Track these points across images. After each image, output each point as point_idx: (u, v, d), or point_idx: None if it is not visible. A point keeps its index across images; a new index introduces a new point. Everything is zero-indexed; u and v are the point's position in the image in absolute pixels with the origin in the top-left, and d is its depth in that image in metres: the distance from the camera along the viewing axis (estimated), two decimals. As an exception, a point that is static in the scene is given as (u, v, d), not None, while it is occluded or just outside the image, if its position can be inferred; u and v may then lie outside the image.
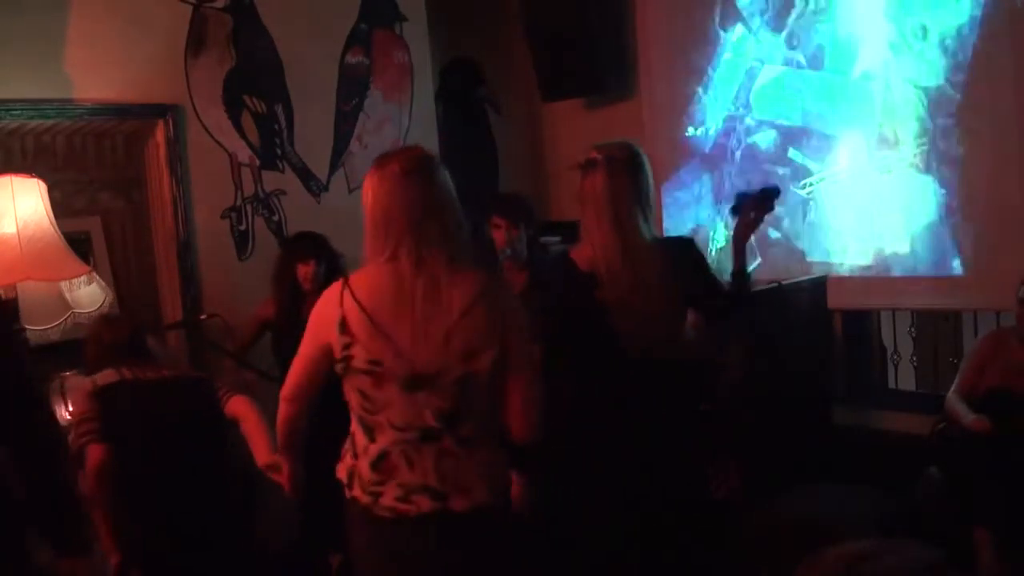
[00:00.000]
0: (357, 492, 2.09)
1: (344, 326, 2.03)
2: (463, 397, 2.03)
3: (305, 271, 3.70)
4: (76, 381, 3.46)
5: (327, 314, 2.08)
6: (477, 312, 2.03)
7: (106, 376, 2.88)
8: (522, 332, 2.11)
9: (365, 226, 2.11)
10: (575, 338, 2.56)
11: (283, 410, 2.21)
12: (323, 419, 3.71)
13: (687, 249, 2.68)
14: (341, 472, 2.16)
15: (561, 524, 2.70)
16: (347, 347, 2.03)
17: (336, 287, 2.10)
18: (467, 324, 2.02)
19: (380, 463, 2.06)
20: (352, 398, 2.08)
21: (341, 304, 2.05)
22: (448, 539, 2.05)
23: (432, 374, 2.00)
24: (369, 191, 2.09)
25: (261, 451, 2.70)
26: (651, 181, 2.64)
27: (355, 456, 2.11)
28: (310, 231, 3.85)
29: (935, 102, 4.01)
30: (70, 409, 3.42)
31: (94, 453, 2.71)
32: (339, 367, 2.06)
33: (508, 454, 2.18)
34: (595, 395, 2.60)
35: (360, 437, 2.10)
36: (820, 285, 4.21)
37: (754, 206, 2.71)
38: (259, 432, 2.78)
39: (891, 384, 4.69)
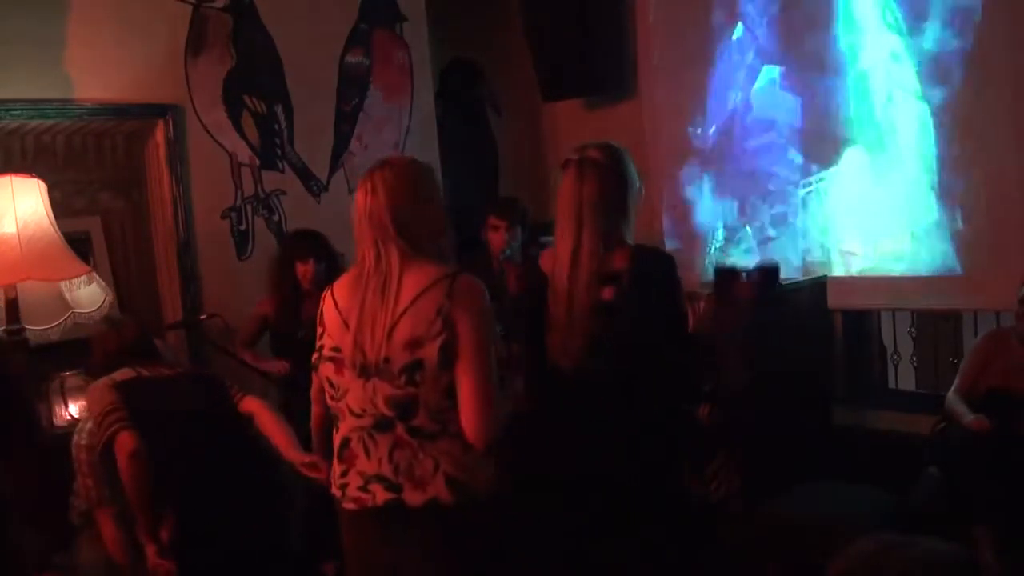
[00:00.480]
0: (334, 488, 2.17)
1: (321, 318, 2.20)
2: (412, 386, 2.05)
3: (304, 269, 3.69)
4: (77, 381, 3.47)
5: (321, 309, 2.23)
6: (423, 302, 2.06)
7: (123, 374, 2.87)
8: (476, 328, 2.07)
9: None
10: (527, 340, 2.54)
11: (313, 410, 2.33)
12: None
13: (659, 266, 2.53)
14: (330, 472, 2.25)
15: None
16: (320, 336, 2.19)
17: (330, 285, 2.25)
18: (412, 312, 2.06)
19: (343, 452, 2.14)
20: (325, 387, 2.18)
21: (324, 298, 2.22)
22: (402, 533, 2.07)
23: (380, 361, 2.06)
24: (356, 201, 2.20)
25: (289, 449, 2.73)
26: (634, 185, 2.52)
27: (334, 455, 2.19)
28: (309, 229, 3.84)
29: (934, 103, 4.01)
30: (70, 409, 3.43)
31: (125, 440, 2.67)
32: (315, 357, 2.19)
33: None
34: (538, 404, 2.54)
35: (332, 431, 2.20)
36: (820, 285, 4.21)
37: (747, 290, 2.49)
38: (280, 430, 2.82)
39: (891, 384, 4.68)
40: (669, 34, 4.94)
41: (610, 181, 2.47)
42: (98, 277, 3.39)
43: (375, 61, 4.72)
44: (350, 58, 4.63)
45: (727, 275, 2.59)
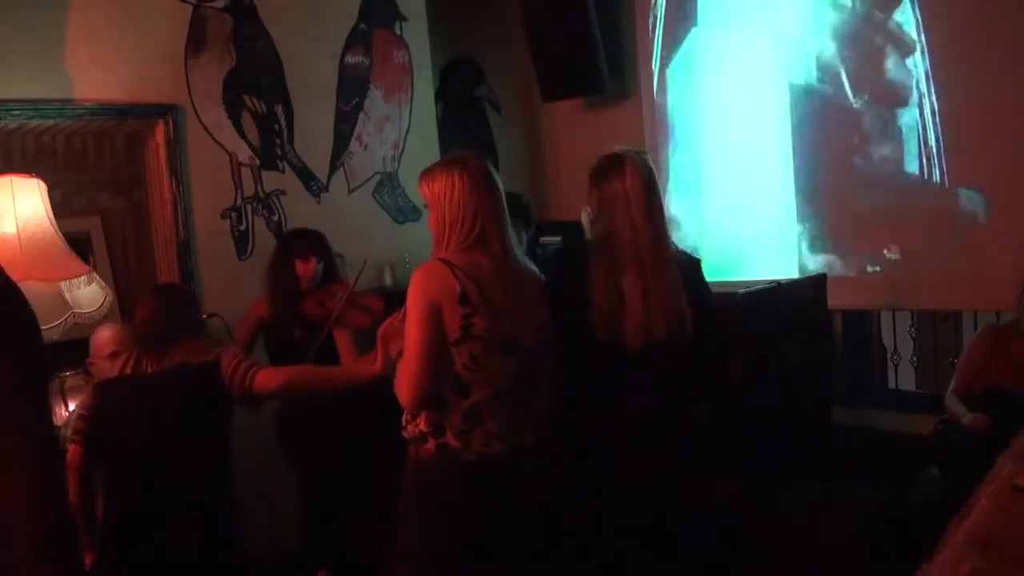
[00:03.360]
0: (449, 438, 2.38)
1: (466, 298, 2.34)
2: (532, 359, 2.45)
3: (305, 268, 3.67)
4: (77, 381, 3.47)
5: (445, 287, 2.34)
6: (542, 292, 2.51)
7: (115, 365, 2.86)
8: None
9: (439, 218, 2.41)
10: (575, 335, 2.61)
11: (414, 399, 2.40)
12: (337, 433, 3.70)
13: (696, 270, 2.72)
14: (417, 428, 2.42)
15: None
16: (468, 316, 2.34)
17: (437, 267, 2.36)
18: (540, 300, 2.49)
19: (471, 414, 2.38)
20: (457, 360, 2.36)
21: (458, 279, 2.34)
22: (518, 468, 2.45)
23: (520, 340, 2.41)
24: (454, 185, 2.38)
25: (360, 362, 2.83)
26: None
27: (442, 411, 2.39)
28: (309, 228, 3.82)
29: (935, 103, 4.01)
30: (70, 409, 3.43)
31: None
32: (456, 335, 2.34)
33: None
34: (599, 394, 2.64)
35: (451, 395, 2.38)
36: (820, 285, 4.21)
37: None
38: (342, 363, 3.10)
39: (891, 384, 4.69)
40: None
41: (651, 178, 2.64)
42: (98, 277, 3.38)
43: (375, 61, 4.72)
44: (350, 58, 4.63)
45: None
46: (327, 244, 3.75)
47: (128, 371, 2.81)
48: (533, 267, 2.55)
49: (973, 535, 1.23)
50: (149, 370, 2.80)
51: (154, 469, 2.69)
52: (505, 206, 2.45)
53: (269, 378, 2.78)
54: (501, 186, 2.46)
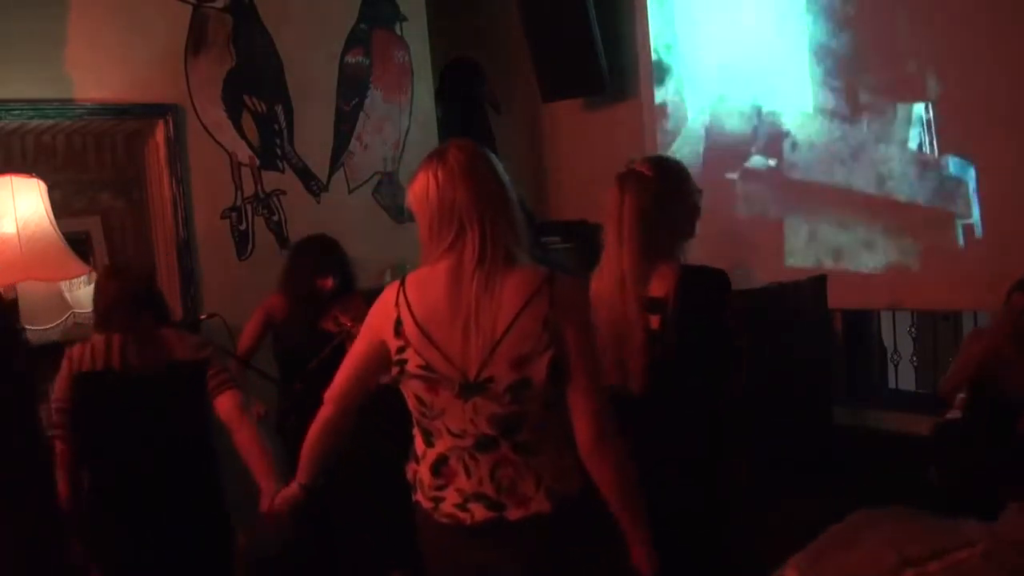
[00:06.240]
0: (420, 496, 2.05)
1: (399, 328, 1.96)
2: (518, 403, 1.91)
3: (323, 283, 3.63)
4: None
5: (385, 314, 2.00)
6: (529, 313, 1.89)
7: (94, 351, 2.72)
8: (583, 334, 1.92)
9: (422, 224, 2.00)
10: None
11: (322, 411, 2.15)
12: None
13: (706, 288, 2.42)
14: (408, 474, 2.11)
15: None
16: (401, 351, 1.96)
17: (394, 287, 2.03)
18: (519, 328, 1.89)
19: (440, 468, 2.00)
20: (409, 402, 2.02)
21: (397, 304, 1.98)
22: (503, 548, 1.96)
23: (484, 381, 1.90)
24: (429, 184, 1.96)
25: (264, 477, 2.62)
26: (687, 199, 2.47)
27: (416, 460, 2.06)
28: (327, 239, 3.73)
29: (935, 105, 4.01)
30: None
31: (60, 449, 2.66)
32: (395, 370, 1.99)
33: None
34: None
35: (419, 441, 2.05)
36: (820, 285, 4.21)
37: None
38: (258, 451, 2.70)
39: (891, 384, 4.69)
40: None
41: (653, 195, 2.38)
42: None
43: (375, 61, 4.72)
44: (350, 58, 4.63)
45: None
46: (346, 259, 3.69)
47: (114, 362, 2.70)
48: (539, 278, 1.94)
49: None
50: (134, 361, 2.70)
51: (145, 468, 2.66)
52: (502, 197, 1.98)
53: (227, 406, 2.74)
54: (497, 174, 2.00)
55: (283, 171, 4.38)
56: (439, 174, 1.95)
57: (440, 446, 1.98)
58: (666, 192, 2.41)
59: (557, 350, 1.89)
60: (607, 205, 2.42)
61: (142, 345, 2.73)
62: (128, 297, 2.76)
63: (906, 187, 4.14)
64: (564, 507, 1.95)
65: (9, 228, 3.04)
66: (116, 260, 3.13)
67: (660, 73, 5.00)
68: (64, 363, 2.75)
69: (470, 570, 2.00)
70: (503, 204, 1.97)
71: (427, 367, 1.93)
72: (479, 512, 1.95)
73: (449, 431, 1.96)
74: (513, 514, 1.94)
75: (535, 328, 1.89)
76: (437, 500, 2.00)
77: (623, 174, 2.44)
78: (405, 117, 4.85)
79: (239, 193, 4.24)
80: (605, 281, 2.41)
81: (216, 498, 2.84)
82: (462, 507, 1.97)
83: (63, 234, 3.21)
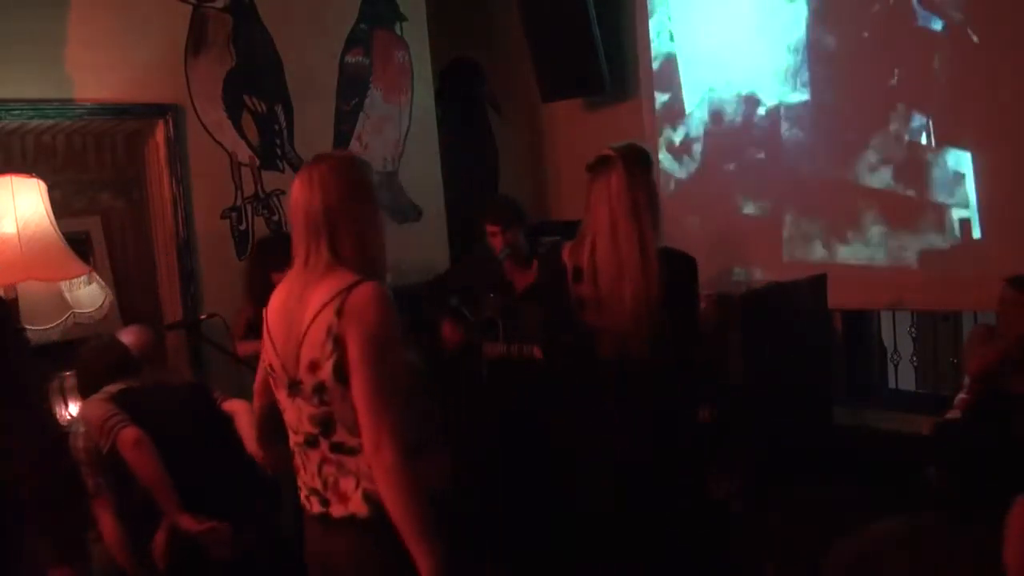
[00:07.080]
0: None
1: (263, 329, 2.13)
2: (325, 404, 1.96)
3: (280, 279, 3.61)
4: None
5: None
6: (318, 321, 1.94)
7: (113, 387, 3.00)
8: (367, 346, 1.89)
9: (292, 228, 2.11)
10: (551, 331, 2.58)
11: (254, 403, 2.28)
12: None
13: (687, 270, 2.68)
14: None
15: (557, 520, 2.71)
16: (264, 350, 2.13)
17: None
18: (310, 334, 1.95)
19: (292, 461, 2.11)
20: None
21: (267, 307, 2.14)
22: (334, 540, 2.02)
23: (297, 381, 1.99)
24: (297, 191, 2.05)
25: (250, 441, 2.86)
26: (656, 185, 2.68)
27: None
28: (282, 233, 3.81)
29: (935, 105, 4.01)
30: (70, 409, 3.43)
31: (127, 435, 2.81)
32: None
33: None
34: (574, 392, 2.64)
35: (274, 423, 2.18)
36: (820, 284, 4.21)
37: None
38: (249, 427, 2.92)
39: (891, 384, 4.69)
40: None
41: (650, 180, 2.63)
42: (98, 277, 3.39)
43: (375, 61, 4.72)
44: (350, 58, 4.64)
45: None
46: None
47: (136, 385, 3.03)
48: (339, 287, 1.94)
49: None
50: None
51: (190, 462, 2.87)
52: (355, 208, 2.01)
53: (129, 441, 2.83)
54: (357, 185, 2.04)
55: (283, 171, 4.38)
56: (303, 182, 2.03)
57: (291, 441, 2.10)
58: (652, 177, 2.67)
59: (339, 358, 1.92)
60: (607, 187, 2.60)
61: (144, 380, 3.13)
62: (112, 367, 3.12)
63: (905, 185, 4.14)
64: (381, 511, 1.92)
65: (9, 228, 3.04)
66: (95, 339, 3.31)
67: (660, 73, 5.01)
68: None
69: (318, 556, 2.08)
70: (353, 214, 2.01)
71: (271, 367, 2.08)
72: (315, 505, 2.05)
73: (290, 427, 2.08)
74: (336, 511, 2.01)
75: (320, 336, 1.93)
76: (297, 489, 2.12)
77: (621, 156, 2.62)
78: (405, 117, 4.85)
79: (239, 193, 4.25)
80: (608, 261, 2.57)
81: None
82: (307, 498, 2.08)
83: (63, 234, 3.21)
